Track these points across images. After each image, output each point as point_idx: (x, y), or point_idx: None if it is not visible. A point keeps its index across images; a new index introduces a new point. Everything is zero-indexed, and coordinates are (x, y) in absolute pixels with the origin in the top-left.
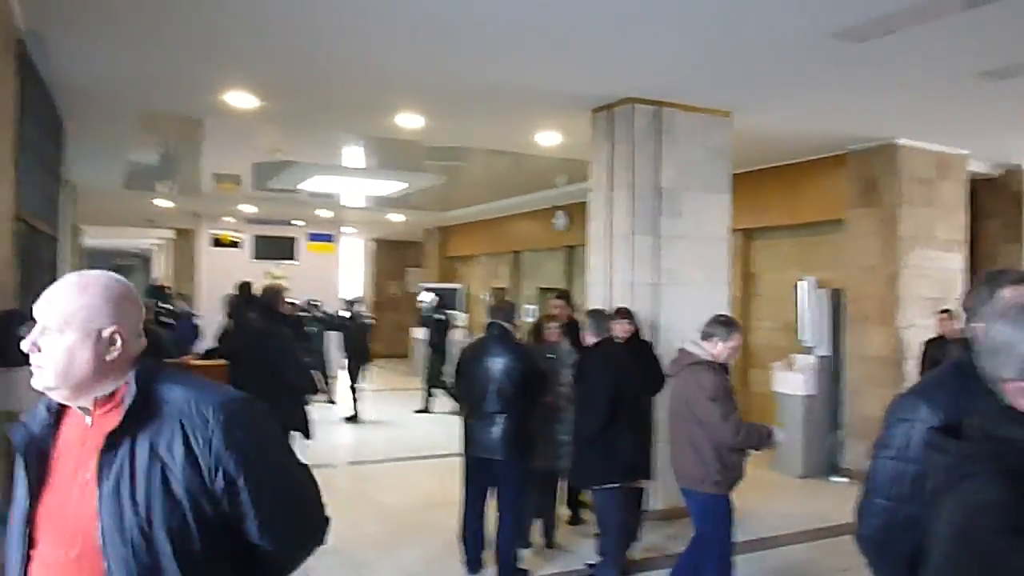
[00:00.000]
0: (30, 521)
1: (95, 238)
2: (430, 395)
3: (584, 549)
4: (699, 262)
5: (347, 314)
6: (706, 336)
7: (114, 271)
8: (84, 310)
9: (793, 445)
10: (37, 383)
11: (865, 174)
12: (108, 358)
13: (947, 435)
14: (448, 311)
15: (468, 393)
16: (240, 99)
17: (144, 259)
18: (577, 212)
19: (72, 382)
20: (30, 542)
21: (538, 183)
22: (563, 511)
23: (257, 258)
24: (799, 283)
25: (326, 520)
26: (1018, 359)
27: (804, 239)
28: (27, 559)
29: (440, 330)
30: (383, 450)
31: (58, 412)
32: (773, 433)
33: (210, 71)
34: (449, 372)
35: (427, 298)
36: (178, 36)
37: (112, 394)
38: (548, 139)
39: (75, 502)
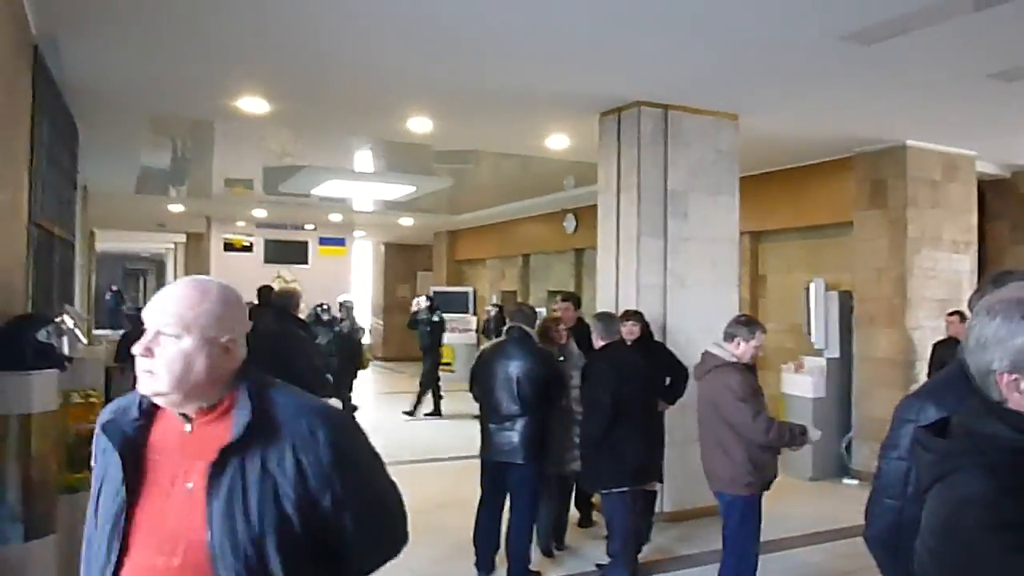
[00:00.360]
0: (124, 525)
1: (107, 242)
2: (438, 397)
3: (594, 551)
4: (707, 264)
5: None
6: (729, 337)
7: (127, 275)
8: (205, 316)
9: (803, 447)
10: (146, 388)
11: (873, 176)
12: (222, 366)
13: (934, 433)
14: (442, 314)
15: (486, 396)
16: (252, 104)
17: (157, 263)
18: (585, 215)
19: (186, 388)
20: (123, 547)
21: (547, 186)
22: (573, 513)
23: (268, 262)
24: (809, 285)
25: (407, 536)
26: (1011, 351)
27: (812, 241)
28: (119, 564)
29: (433, 333)
30: (389, 453)
31: (150, 414)
32: (807, 431)
33: (221, 76)
34: (442, 375)
35: (420, 302)
36: (190, 41)
37: (216, 403)
38: (556, 142)
39: (177, 511)
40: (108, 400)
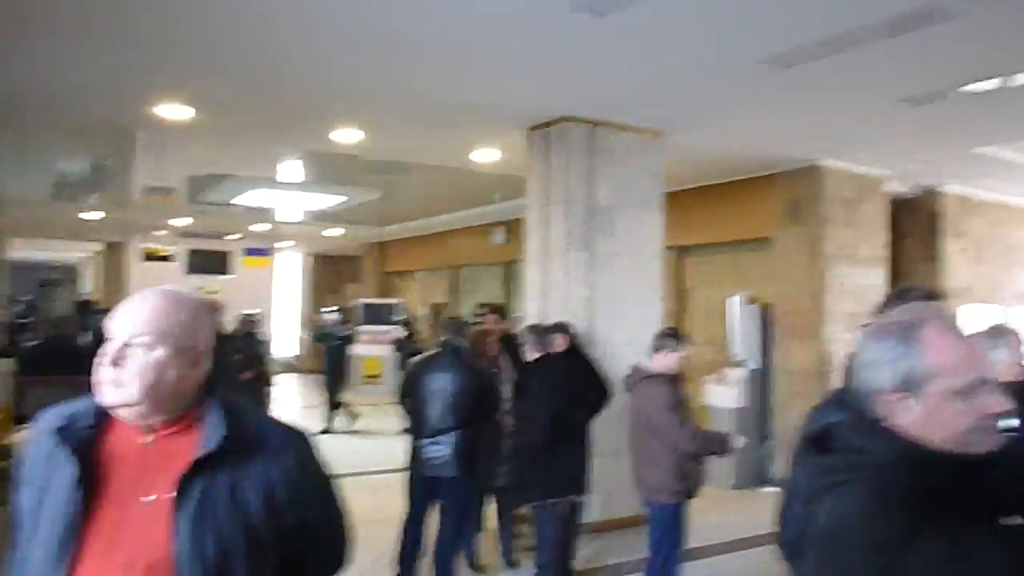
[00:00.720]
0: (75, 537)
1: (19, 251)
2: (337, 407)
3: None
4: (633, 278)
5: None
6: (655, 349)
7: (41, 286)
8: (179, 327)
9: (728, 455)
10: (111, 398)
11: (792, 194)
12: (191, 378)
13: (815, 443)
14: (352, 328)
15: (417, 409)
16: (174, 111)
17: (72, 273)
18: (516, 228)
19: (156, 399)
20: (72, 562)
21: (477, 199)
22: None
23: (190, 272)
24: (729, 299)
25: (351, 555)
26: (899, 371)
27: (736, 256)
28: None
29: (342, 348)
30: None
31: (103, 424)
32: (730, 438)
33: (142, 82)
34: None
35: (329, 317)
36: (108, 46)
37: (181, 416)
38: (486, 155)
39: (136, 524)
40: (17, 415)
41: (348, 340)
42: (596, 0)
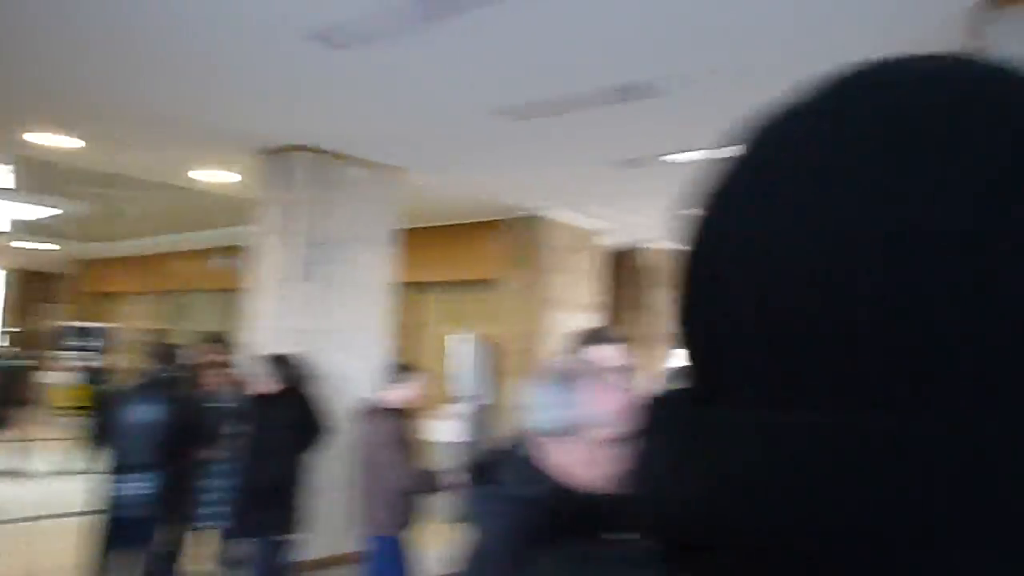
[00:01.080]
0: None
1: None
2: None
3: None
4: (362, 312)
5: None
6: (386, 383)
7: None
8: None
9: (448, 490)
10: None
11: (516, 240)
12: None
13: (481, 474)
14: (34, 354)
15: (114, 444)
16: None
17: None
18: (243, 255)
19: None
20: None
21: (203, 221)
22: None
23: None
24: (449, 336)
25: None
26: (553, 417)
27: (469, 295)
28: None
29: (17, 379)
30: None
31: None
32: (453, 473)
33: None
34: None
35: None
36: None
37: None
38: (218, 177)
39: None
40: None
41: (29, 367)
42: (333, 31)
